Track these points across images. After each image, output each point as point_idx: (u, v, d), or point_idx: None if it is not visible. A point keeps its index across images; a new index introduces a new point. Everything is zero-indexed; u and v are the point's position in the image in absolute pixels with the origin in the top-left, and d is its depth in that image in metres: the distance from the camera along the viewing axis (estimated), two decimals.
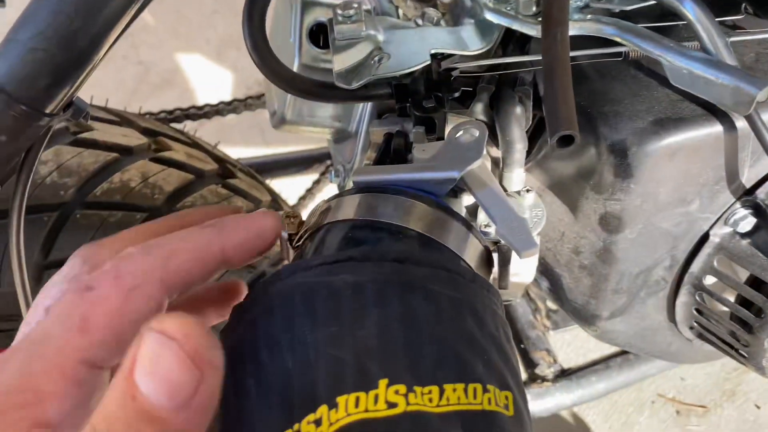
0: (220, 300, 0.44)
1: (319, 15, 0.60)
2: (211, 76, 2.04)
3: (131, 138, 0.72)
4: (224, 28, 2.13)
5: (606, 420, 1.33)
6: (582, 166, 0.55)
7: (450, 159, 0.45)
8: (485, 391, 0.32)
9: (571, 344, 1.38)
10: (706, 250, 0.58)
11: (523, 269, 0.51)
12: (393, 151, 0.53)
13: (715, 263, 0.59)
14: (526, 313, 1.02)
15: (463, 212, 0.47)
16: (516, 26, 0.50)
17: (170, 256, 0.34)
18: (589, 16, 0.50)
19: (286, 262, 0.47)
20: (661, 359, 0.78)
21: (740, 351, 0.65)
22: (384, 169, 0.47)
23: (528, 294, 1.05)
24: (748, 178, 0.54)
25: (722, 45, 0.47)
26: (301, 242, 0.46)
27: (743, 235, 0.57)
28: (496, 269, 0.47)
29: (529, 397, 0.91)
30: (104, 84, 2.02)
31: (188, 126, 1.02)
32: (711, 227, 0.57)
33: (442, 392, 0.31)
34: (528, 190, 0.52)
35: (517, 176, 0.53)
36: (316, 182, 1.16)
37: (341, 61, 0.51)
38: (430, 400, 0.31)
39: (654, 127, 0.49)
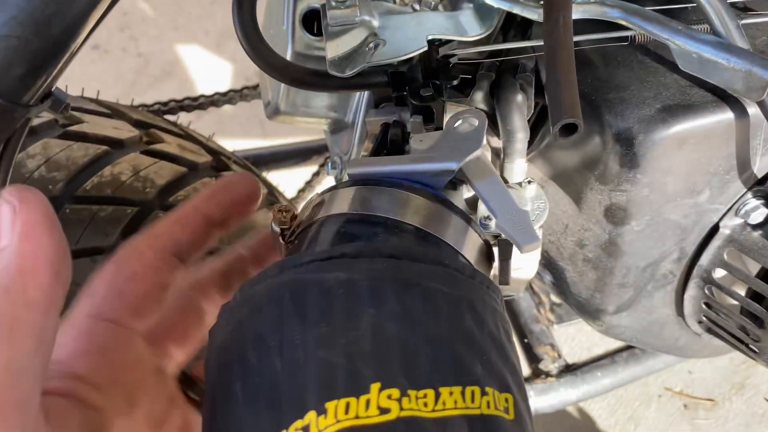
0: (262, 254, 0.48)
1: (313, 1, 0.58)
2: (211, 67, 2.03)
3: (122, 130, 0.70)
4: (223, 19, 2.11)
5: (612, 414, 1.31)
6: (586, 155, 0.53)
7: (448, 149, 0.43)
8: (484, 393, 0.31)
9: (575, 338, 1.37)
10: (716, 242, 0.56)
11: (525, 263, 0.49)
12: (390, 142, 0.52)
13: (725, 256, 0.57)
14: (529, 306, 1.01)
15: (462, 205, 0.45)
16: (517, 10, 0.48)
17: (153, 228, 0.42)
18: None
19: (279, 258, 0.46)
20: (669, 354, 0.76)
21: (750, 346, 0.63)
22: (380, 160, 0.45)
23: (531, 287, 1.04)
24: (760, 168, 0.52)
25: (733, 27, 0.45)
26: (293, 237, 0.44)
27: (754, 227, 0.55)
28: (496, 264, 0.46)
29: (532, 393, 0.89)
30: (103, 76, 2.01)
31: (186, 118, 1.01)
32: (721, 218, 0.55)
33: (437, 396, 0.30)
34: (530, 182, 0.50)
35: (519, 167, 0.51)
36: (315, 174, 1.14)
37: (335, 48, 0.49)
38: (425, 405, 0.29)
39: (662, 115, 0.47)
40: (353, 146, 0.65)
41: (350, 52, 0.49)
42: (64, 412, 0.33)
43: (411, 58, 0.52)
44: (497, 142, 0.53)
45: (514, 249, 0.45)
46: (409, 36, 0.50)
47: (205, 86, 1.95)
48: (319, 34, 0.58)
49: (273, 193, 0.81)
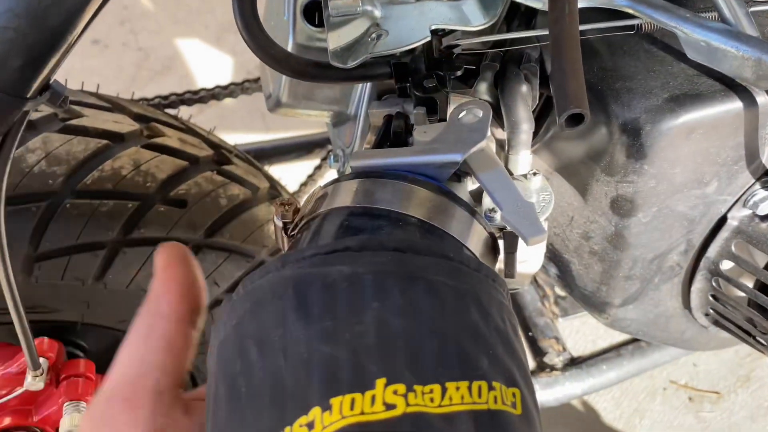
0: None
1: None
2: (211, 61, 2.03)
3: (123, 124, 0.70)
4: (223, 13, 2.11)
5: (617, 407, 1.31)
6: (592, 147, 0.52)
7: (452, 141, 0.43)
8: (491, 388, 0.31)
9: (579, 331, 1.36)
10: (724, 233, 0.56)
11: (530, 256, 0.49)
12: (393, 134, 0.51)
13: (733, 247, 0.57)
14: (534, 299, 1.00)
15: (467, 197, 0.44)
16: None
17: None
18: None
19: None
20: (675, 347, 0.75)
21: (758, 338, 0.62)
22: (383, 152, 0.45)
23: (536, 280, 1.03)
24: None
25: (742, 15, 0.44)
26: (296, 231, 0.44)
27: (763, 218, 0.55)
28: (502, 257, 0.45)
29: (537, 386, 0.88)
30: (104, 71, 2.00)
31: (188, 112, 1.00)
32: (729, 210, 0.54)
33: (444, 391, 0.29)
34: (535, 173, 0.49)
35: (524, 159, 0.51)
36: (318, 168, 1.13)
37: (336, 39, 0.48)
38: (432, 400, 0.29)
39: (669, 104, 0.46)
40: (356, 139, 0.64)
41: (352, 43, 0.48)
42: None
43: (414, 49, 0.51)
44: (502, 134, 0.52)
45: (520, 241, 0.44)
46: (411, 26, 0.49)
47: (206, 80, 1.95)
48: (320, 25, 0.58)
49: (275, 187, 0.80)
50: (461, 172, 0.44)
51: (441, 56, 0.51)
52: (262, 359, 0.32)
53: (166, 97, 0.99)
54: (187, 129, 0.76)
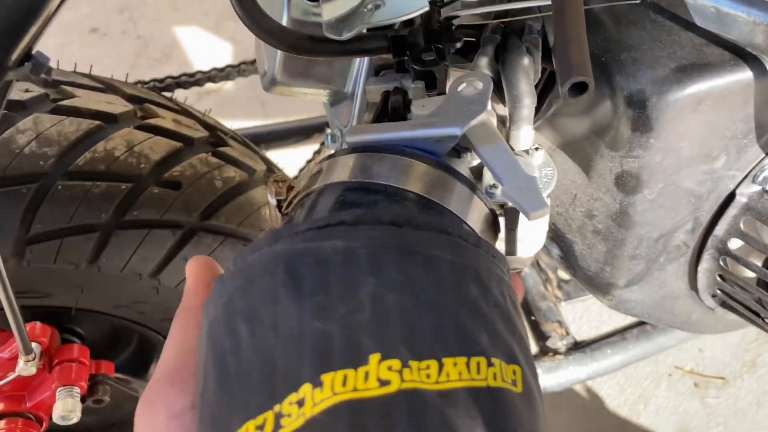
0: None
1: None
2: (210, 48, 2.02)
3: (116, 105, 0.68)
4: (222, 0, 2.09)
5: (621, 393, 1.30)
6: (596, 121, 0.50)
7: (451, 114, 0.42)
8: (490, 365, 0.29)
9: (583, 317, 1.35)
10: (732, 210, 0.54)
11: (532, 234, 0.47)
12: (390, 110, 0.50)
13: (742, 225, 0.55)
14: (536, 283, 0.98)
15: (467, 173, 0.43)
16: None
17: None
18: None
19: None
20: (681, 330, 0.74)
21: (767, 319, 0.61)
22: (380, 127, 0.43)
23: (538, 264, 1.02)
24: None
25: None
26: (290, 208, 0.43)
27: None
28: (503, 234, 0.44)
29: (540, 371, 0.87)
30: (103, 59, 1.99)
31: (188, 99, 0.99)
32: (737, 186, 0.53)
33: (441, 367, 0.28)
34: (537, 149, 0.48)
35: (525, 134, 0.49)
36: (317, 152, 1.12)
37: (331, 10, 0.47)
38: (428, 376, 0.28)
39: (676, 75, 0.45)
40: (353, 117, 0.63)
41: (347, 14, 0.47)
42: None
43: (412, 21, 0.50)
44: (503, 110, 0.51)
45: (521, 218, 0.43)
46: None
47: (205, 68, 1.94)
48: None
49: (272, 170, 0.79)
50: (461, 148, 0.43)
51: (440, 28, 0.49)
52: (252, 336, 0.31)
53: (161, 80, 0.97)
54: (182, 110, 0.75)
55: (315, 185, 0.40)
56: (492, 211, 0.42)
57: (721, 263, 0.59)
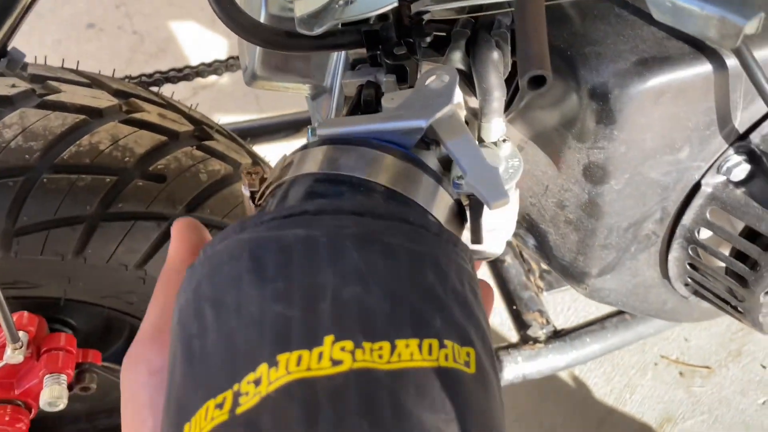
0: None
1: None
2: (206, 43, 2.02)
3: (101, 100, 0.69)
4: None
5: (608, 382, 1.31)
6: (564, 114, 0.52)
7: (418, 107, 0.43)
8: (442, 346, 0.30)
9: (570, 308, 1.36)
10: (698, 200, 0.55)
11: (499, 224, 0.48)
12: (363, 103, 0.51)
13: (708, 215, 0.56)
14: (518, 273, 1.00)
15: (435, 165, 0.44)
16: None
17: None
18: None
19: None
20: (658, 318, 0.75)
21: (736, 307, 0.62)
22: (349, 120, 0.44)
23: (521, 255, 1.03)
24: (741, 122, 0.51)
25: None
26: (263, 199, 0.44)
27: (737, 184, 0.54)
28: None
29: (520, 358, 0.89)
30: (99, 54, 2.00)
31: (182, 95, 1.00)
32: (703, 176, 0.54)
33: (393, 348, 0.30)
34: (504, 140, 0.49)
35: (496, 126, 0.50)
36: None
37: (304, 6, 0.48)
38: (380, 357, 0.29)
39: (637, 68, 0.46)
40: (331, 111, 0.64)
41: (319, 10, 0.48)
42: None
43: (386, 17, 0.51)
44: (475, 102, 0.52)
45: (486, 208, 0.44)
46: None
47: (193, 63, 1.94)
48: None
49: (258, 163, 0.80)
50: (430, 140, 0.44)
51: (410, 23, 0.50)
52: (217, 320, 0.32)
53: (150, 75, 0.98)
54: (168, 105, 0.76)
55: (286, 176, 0.41)
56: (458, 201, 0.43)
57: (691, 252, 0.60)
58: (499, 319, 1.27)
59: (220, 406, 0.29)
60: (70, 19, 2.08)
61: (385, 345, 0.29)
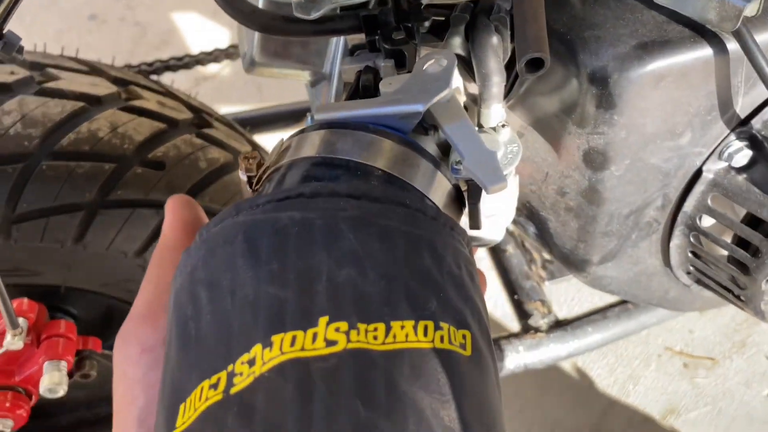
0: None
1: None
2: (208, 35, 2.02)
3: (100, 87, 0.69)
4: None
5: (611, 373, 1.31)
6: (563, 99, 0.51)
7: (416, 91, 0.42)
8: (438, 328, 0.30)
9: (574, 298, 1.36)
10: (700, 187, 0.55)
11: (499, 209, 0.48)
12: (362, 88, 0.51)
13: (710, 201, 0.56)
14: (520, 263, 1.00)
15: (433, 150, 0.44)
16: None
17: None
18: None
19: None
20: (660, 307, 0.75)
21: (738, 295, 0.62)
22: (347, 104, 0.44)
23: (523, 244, 1.03)
24: (742, 107, 0.50)
25: None
26: (260, 184, 0.44)
27: (738, 170, 0.54)
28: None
29: (522, 348, 0.88)
30: (101, 46, 2.00)
31: (185, 85, 0.99)
32: (704, 162, 0.54)
33: (388, 330, 0.30)
34: (504, 126, 0.49)
35: (495, 111, 0.50)
36: None
37: None
38: (375, 338, 0.29)
39: (637, 52, 0.46)
40: (330, 97, 0.63)
41: None
42: None
43: (385, 1, 0.50)
44: (475, 88, 0.52)
45: (484, 193, 0.44)
46: None
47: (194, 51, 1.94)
48: None
49: (258, 151, 0.80)
50: (428, 125, 0.44)
51: (409, 8, 0.50)
52: (212, 302, 0.32)
53: (150, 64, 0.98)
54: (167, 92, 0.76)
55: (283, 161, 0.41)
56: (456, 186, 0.43)
57: (692, 240, 0.60)
58: (501, 310, 1.27)
59: (214, 386, 0.29)
60: (72, 10, 2.08)
61: (380, 326, 0.29)
